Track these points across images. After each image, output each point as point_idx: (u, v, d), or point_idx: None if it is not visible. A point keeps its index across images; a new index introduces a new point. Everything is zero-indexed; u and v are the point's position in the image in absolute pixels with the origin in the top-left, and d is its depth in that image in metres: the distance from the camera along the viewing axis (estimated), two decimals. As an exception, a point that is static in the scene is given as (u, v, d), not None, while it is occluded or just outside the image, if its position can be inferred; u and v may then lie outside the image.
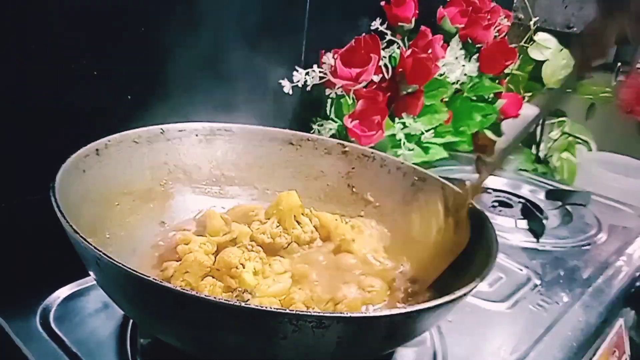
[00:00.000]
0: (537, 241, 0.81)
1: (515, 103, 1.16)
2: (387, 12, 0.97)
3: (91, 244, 0.38)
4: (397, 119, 0.92)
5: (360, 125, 0.85)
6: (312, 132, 0.89)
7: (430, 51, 0.94)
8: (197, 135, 0.66)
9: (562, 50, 1.25)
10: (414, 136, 0.93)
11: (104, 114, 0.63)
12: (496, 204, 0.93)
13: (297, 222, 0.58)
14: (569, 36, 1.41)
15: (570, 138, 1.30)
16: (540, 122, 1.31)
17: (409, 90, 0.92)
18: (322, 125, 0.89)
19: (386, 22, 0.97)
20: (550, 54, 1.24)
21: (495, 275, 0.70)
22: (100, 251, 0.38)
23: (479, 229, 0.54)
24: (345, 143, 0.69)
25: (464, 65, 1.04)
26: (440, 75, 0.99)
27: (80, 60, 0.60)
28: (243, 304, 0.36)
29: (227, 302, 0.36)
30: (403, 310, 0.37)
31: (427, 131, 0.94)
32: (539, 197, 0.99)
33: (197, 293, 0.37)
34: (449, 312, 0.44)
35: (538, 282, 0.70)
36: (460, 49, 1.06)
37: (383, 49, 0.92)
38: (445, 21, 1.05)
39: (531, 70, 1.26)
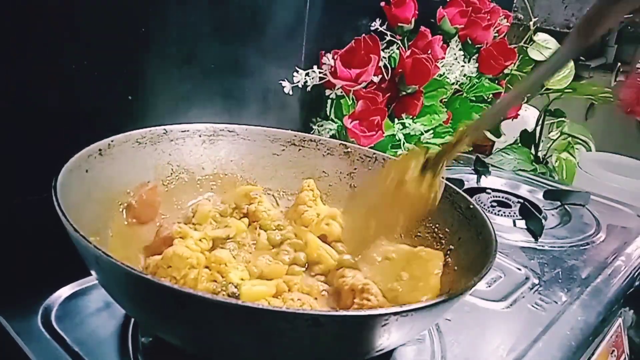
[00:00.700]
0: (536, 241, 0.82)
1: (515, 103, 1.16)
2: (386, 13, 0.97)
3: (91, 243, 0.39)
4: (396, 120, 0.92)
5: (359, 126, 0.85)
6: (312, 132, 0.89)
7: (429, 52, 0.95)
8: (200, 136, 0.66)
9: (561, 50, 1.24)
10: (414, 136, 0.94)
11: (105, 114, 0.63)
12: (495, 204, 0.94)
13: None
14: (568, 36, 1.40)
15: (570, 138, 1.30)
16: (540, 122, 1.31)
17: (409, 91, 0.92)
18: (322, 125, 0.89)
19: (386, 23, 0.97)
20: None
21: (494, 274, 0.71)
22: (100, 250, 0.38)
23: (479, 228, 0.54)
24: (348, 144, 0.70)
25: (463, 66, 1.05)
26: (440, 75, 0.99)
27: (81, 60, 0.60)
28: (240, 303, 0.36)
29: (225, 301, 0.36)
30: (400, 309, 0.38)
31: (426, 132, 0.94)
32: (538, 197, 1.00)
33: (195, 292, 0.38)
34: (448, 310, 0.44)
35: (536, 281, 0.70)
36: (460, 49, 1.06)
37: (383, 50, 0.92)
38: (445, 22, 1.05)
39: (531, 70, 1.26)
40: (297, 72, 0.84)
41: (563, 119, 1.31)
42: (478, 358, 0.55)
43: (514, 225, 0.87)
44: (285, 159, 0.70)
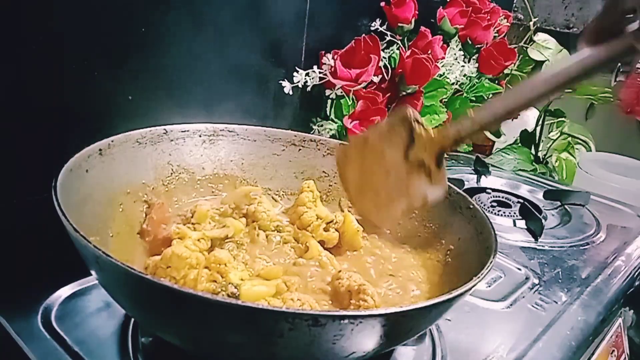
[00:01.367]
0: (536, 241, 0.82)
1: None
2: (386, 13, 0.97)
3: (91, 243, 0.39)
4: (396, 120, 0.92)
5: (359, 126, 0.85)
6: (312, 132, 0.90)
7: (429, 52, 0.95)
8: (200, 136, 0.66)
9: (561, 50, 1.25)
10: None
11: (105, 114, 0.63)
12: (495, 204, 0.94)
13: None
14: (568, 36, 1.41)
15: (570, 138, 1.30)
16: (540, 122, 1.31)
17: (409, 91, 0.92)
18: (322, 125, 0.89)
19: (386, 23, 0.97)
20: (550, 55, 1.24)
21: (494, 274, 0.71)
22: (100, 250, 0.38)
23: (479, 228, 0.54)
24: (348, 144, 0.70)
25: (463, 66, 1.05)
26: (440, 75, 0.99)
27: (81, 60, 0.60)
28: (240, 303, 0.36)
29: (225, 301, 0.36)
30: (400, 309, 0.38)
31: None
32: (538, 197, 1.00)
33: (195, 292, 0.38)
34: (448, 310, 0.44)
35: (537, 281, 0.70)
36: (460, 49, 1.06)
37: (383, 50, 0.92)
38: (445, 22, 1.05)
39: (531, 70, 1.26)
40: (297, 72, 0.84)
41: (563, 119, 1.31)
42: (478, 358, 0.55)
43: (514, 225, 0.87)
44: (285, 159, 0.70)
